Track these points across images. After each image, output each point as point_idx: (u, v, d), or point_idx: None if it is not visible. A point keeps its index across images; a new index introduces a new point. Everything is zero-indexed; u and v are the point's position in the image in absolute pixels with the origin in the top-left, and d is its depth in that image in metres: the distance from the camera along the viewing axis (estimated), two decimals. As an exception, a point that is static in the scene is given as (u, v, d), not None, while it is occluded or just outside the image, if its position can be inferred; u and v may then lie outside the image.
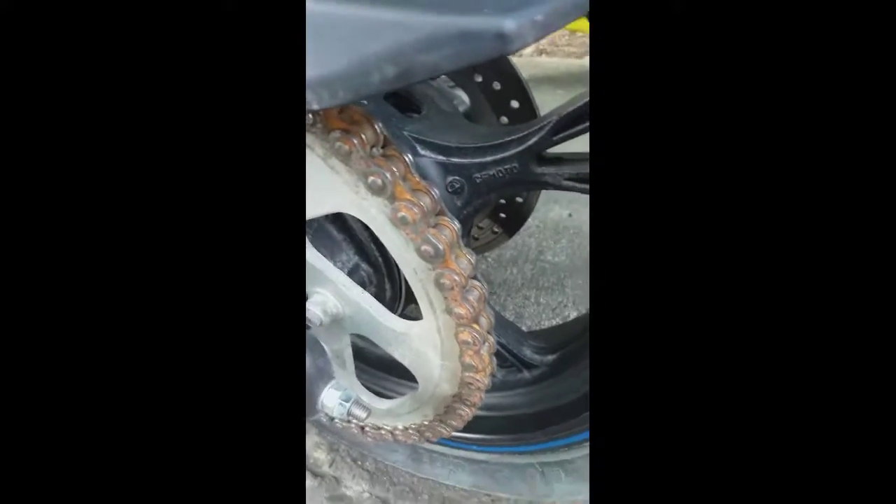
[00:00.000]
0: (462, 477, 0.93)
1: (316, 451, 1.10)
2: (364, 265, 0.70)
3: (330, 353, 0.66)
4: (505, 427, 0.85)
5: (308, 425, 1.09)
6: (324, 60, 0.36)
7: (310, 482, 1.07)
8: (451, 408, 0.66)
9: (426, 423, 0.71)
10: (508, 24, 0.30)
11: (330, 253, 0.65)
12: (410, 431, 0.73)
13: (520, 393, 0.83)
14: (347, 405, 0.59)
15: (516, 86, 0.91)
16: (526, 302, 1.36)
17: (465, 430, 0.83)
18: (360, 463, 1.07)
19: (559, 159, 0.72)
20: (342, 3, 0.35)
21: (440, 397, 0.65)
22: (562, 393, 0.78)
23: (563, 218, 1.59)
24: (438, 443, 0.91)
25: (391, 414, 0.73)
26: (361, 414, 0.61)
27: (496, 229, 1.05)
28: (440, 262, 0.51)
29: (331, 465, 1.09)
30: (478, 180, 0.68)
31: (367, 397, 0.72)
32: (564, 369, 0.78)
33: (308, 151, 0.51)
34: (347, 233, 0.68)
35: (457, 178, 0.68)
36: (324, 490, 1.05)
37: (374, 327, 0.62)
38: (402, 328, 0.61)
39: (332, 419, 0.62)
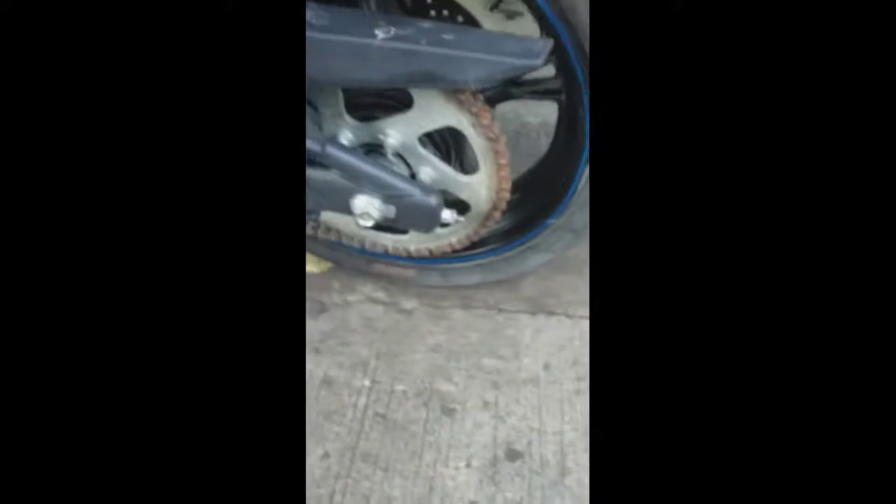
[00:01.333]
0: (474, 276, 1.57)
1: (377, 292, 1.83)
2: (441, 153, 1.39)
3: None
4: (497, 239, 1.63)
5: (368, 278, 1.81)
6: (466, 72, 1.10)
7: (379, 307, 1.80)
8: (488, 216, 1.43)
9: (471, 231, 1.48)
10: (536, 62, 1.07)
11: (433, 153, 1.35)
12: (463, 240, 1.50)
13: (506, 216, 1.61)
14: (448, 214, 1.34)
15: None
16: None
17: (473, 247, 1.60)
18: (406, 291, 1.82)
19: (522, 83, 1.50)
20: (457, 49, 1.09)
21: (483, 212, 1.42)
22: (527, 210, 1.59)
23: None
24: (458, 261, 1.68)
25: (453, 233, 1.50)
26: (451, 218, 1.37)
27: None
28: (496, 143, 1.28)
29: (388, 296, 1.83)
30: (486, 93, 1.42)
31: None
32: (529, 198, 1.59)
33: (452, 105, 1.22)
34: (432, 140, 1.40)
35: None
36: (392, 310, 1.79)
37: (454, 184, 1.38)
38: (467, 180, 1.37)
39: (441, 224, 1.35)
